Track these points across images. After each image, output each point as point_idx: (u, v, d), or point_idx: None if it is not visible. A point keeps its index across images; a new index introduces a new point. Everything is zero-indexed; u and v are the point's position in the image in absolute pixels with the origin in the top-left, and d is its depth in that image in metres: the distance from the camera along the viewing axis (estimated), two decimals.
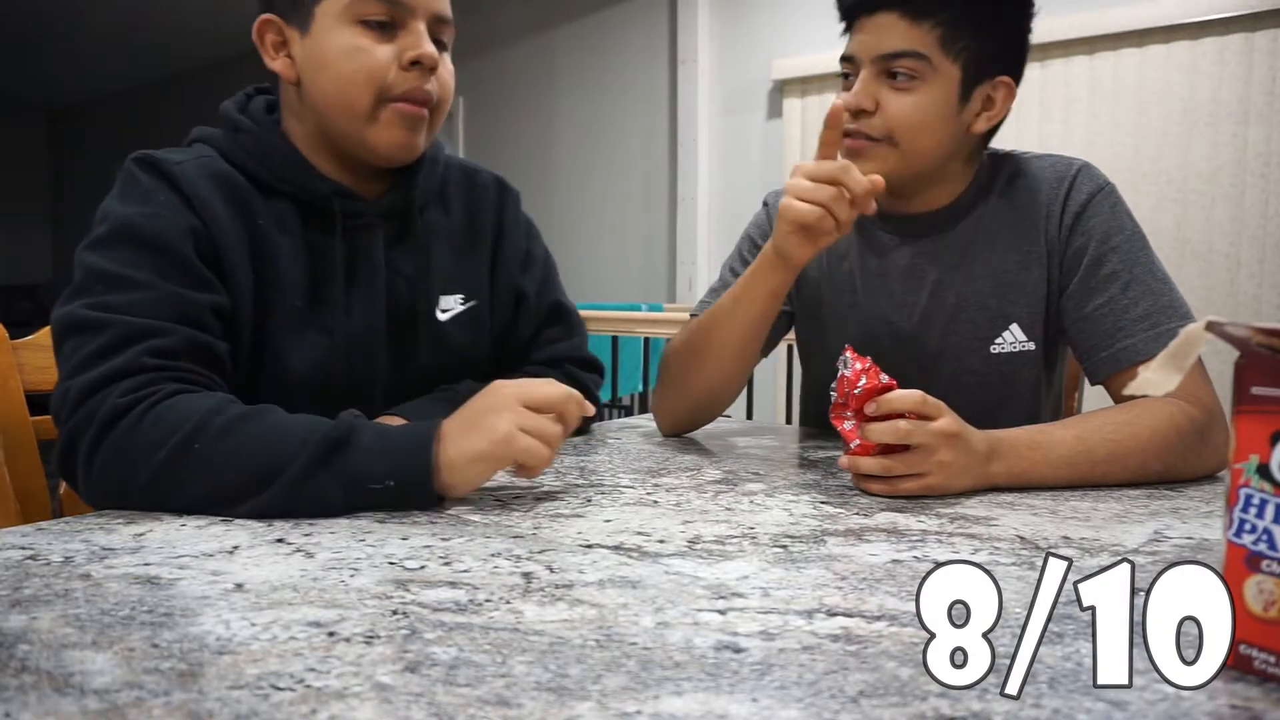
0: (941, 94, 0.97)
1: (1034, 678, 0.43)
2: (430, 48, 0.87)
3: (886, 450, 0.79)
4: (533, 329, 1.08)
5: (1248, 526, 0.43)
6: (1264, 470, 0.42)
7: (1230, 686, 0.42)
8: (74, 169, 8.20)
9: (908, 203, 1.06)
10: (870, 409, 0.79)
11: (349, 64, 0.86)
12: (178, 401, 0.73)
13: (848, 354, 0.81)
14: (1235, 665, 0.43)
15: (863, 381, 0.79)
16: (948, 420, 0.78)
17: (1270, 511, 0.42)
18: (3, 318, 1.04)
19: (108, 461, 0.71)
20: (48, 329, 0.99)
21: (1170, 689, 0.41)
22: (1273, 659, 0.42)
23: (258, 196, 0.88)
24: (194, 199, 0.84)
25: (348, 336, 0.91)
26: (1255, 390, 0.42)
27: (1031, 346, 1.03)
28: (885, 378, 0.79)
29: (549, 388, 0.77)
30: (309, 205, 0.90)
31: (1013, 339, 1.04)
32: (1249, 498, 0.43)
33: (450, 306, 1.00)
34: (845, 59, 1.01)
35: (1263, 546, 0.42)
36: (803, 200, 0.88)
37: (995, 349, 1.04)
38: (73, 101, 7.93)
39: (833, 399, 0.82)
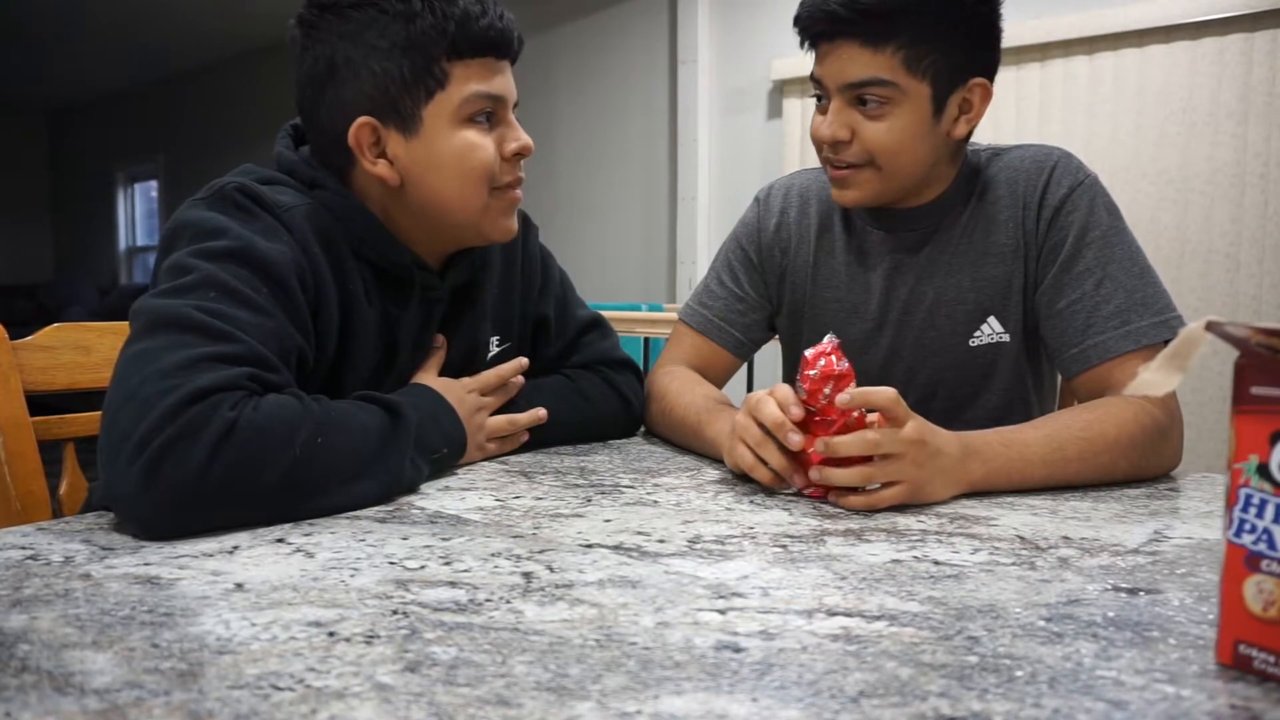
0: (914, 114, 0.96)
1: (1034, 678, 0.43)
2: (527, 138, 0.91)
3: (851, 460, 0.76)
4: (562, 344, 1.10)
5: (1247, 526, 0.43)
6: (1264, 470, 0.42)
7: (1230, 686, 0.42)
8: (74, 169, 8.20)
9: (892, 201, 1.06)
10: (842, 400, 0.75)
11: (466, 162, 0.87)
12: (273, 403, 0.70)
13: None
14: (1235, 665, 0.44)
15: (821, 364, 0.77)
16: (914, 425, 0.76)
17: (1270, 511, 0.42)
18: (3, 318, 1.04)
19: (230, 472, 0.66)
20: (48, 329, 0.99)
21: (1170, 689, 0.41)
22: (1273, 659, 0.42)
23: (349, 257, 0.87)
24: (306, 249, 0.82)
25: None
26: (1255, 390, 0.43)
27: (1007, 338, 1.04)
28: (845, 364, 0.77)
29: (484, 375, 0.95)
30: (385, 273, 0.90)
31: (990, 330, 1.04)
32: (1249, 498, 0.43)
33: (491, 350, 1.03)
34: (814, 80, 1.01)
35: (1262, 546, 0.42)
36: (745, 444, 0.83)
37: (974, 343, 1.05)
38: (73, 101, 7.93)
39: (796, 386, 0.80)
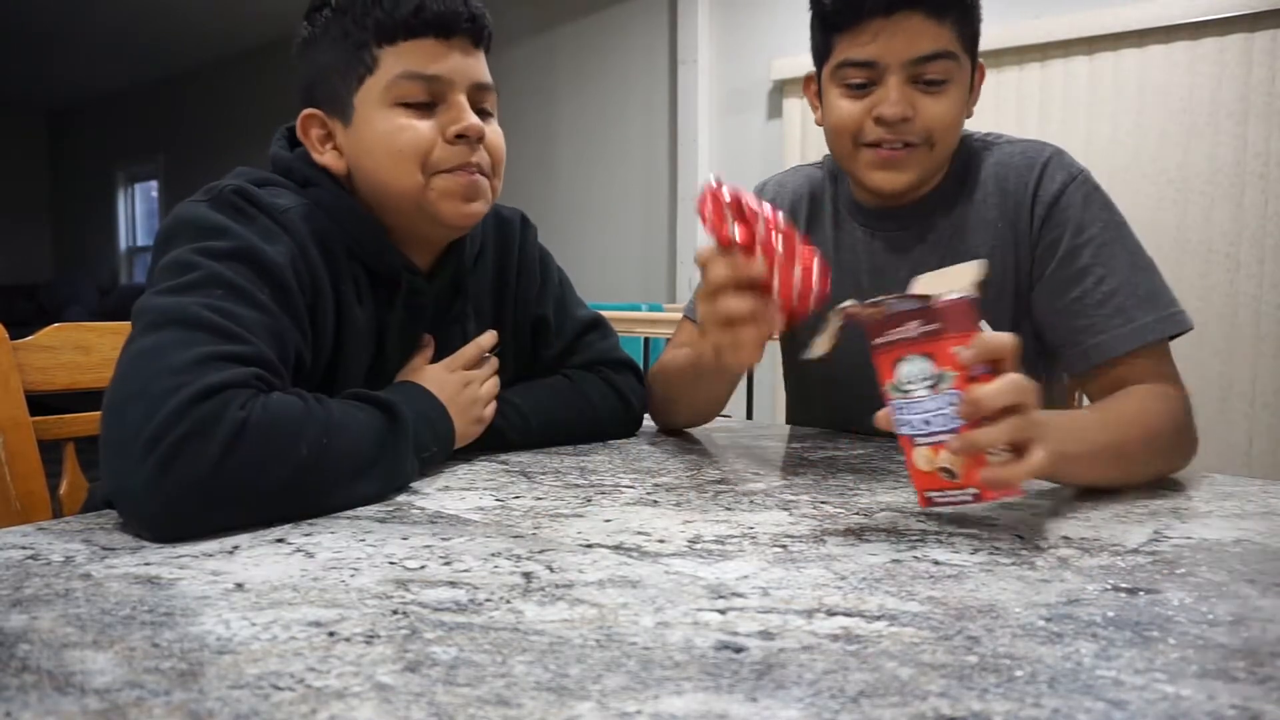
0: (962, 91, 0.98)
1: (1034, 678, 0.43)
2: (473, 119, 0.86)
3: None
4: (562, 344, 1.10)
5: (901, 422, 0.67)
6: (896, 386, 0.67)
7: (1230, 686, 0.42)
8: (74, 169, 8.20)
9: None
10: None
11: (393, 143, 0.85)
12: (279, 402, 0.70)
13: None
14: (928, 507, 0.69)
15: (709, 206, 0.73)
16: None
17: (908, 410, 0.66)
18: (3, 318, 1.04)
19: (242, 470, 0.66)
20: (48, 329, 0.99)
21: (1170, 689, 0.41)
22: (944, 495, 0.67)
23: (343, 257, 0.87)
24: (303, 250, 0.82)
25: None
26: (876, 341, 0.68)
27: None
28: (728, 193, 0.73)
29: (464, 351, 0.95)
30: (376, 273, 0.90)
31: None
32: (896, 405, 0.67)
33: None
34: (858, 64, 0.95)
35: (913, 431, 0.67)
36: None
37: None
38: (73, 101, 7.93)
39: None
